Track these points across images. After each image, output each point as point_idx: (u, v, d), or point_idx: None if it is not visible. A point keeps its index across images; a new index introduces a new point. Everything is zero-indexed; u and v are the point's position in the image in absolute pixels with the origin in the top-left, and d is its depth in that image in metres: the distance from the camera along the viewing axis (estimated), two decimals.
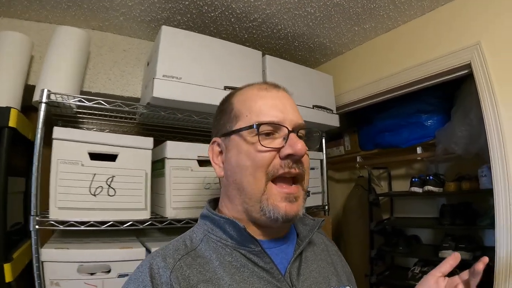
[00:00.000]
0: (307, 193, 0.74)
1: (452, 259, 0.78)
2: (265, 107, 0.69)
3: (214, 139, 0.77)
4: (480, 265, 0.70)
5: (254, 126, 0.66)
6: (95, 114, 1.52)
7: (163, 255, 0.64)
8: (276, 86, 0.75)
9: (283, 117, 0.68)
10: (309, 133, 0.79)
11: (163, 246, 0.69)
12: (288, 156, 0.66)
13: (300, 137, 0.70)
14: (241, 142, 0.69)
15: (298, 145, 0.65)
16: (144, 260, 0.66)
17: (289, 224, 0.71)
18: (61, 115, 1.49)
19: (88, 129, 1.72)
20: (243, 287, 0.61)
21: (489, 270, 1.29)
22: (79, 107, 1.39)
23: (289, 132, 0.68)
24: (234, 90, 0.79)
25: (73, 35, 1.47)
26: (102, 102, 1.34)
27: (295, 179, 0.69)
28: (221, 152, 0.75)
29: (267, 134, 0.68)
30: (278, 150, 0.67)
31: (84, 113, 1.51)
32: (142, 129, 1.78)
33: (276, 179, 0.67)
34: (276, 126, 0.68)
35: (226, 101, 0.78)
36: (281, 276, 0.65)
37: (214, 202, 0.80)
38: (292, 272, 0.68)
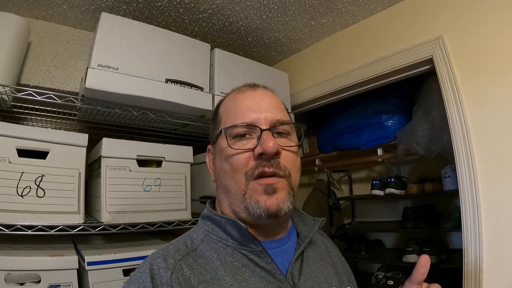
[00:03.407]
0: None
1: (422, 266, 0.71)
2: (238, 110, 0.71)
3: (208, 146, 0.80)
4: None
5: (222, 131, 0.69)
6: (34, 109, 1.40)
7: (164, 256, 0.64)
8: (252, 86, 0.76)
9: (256, 117, 0.68)
10: (294, 128, 0.76)
11: (163, 246, 0.69)
12: (261, 156, 0.66)
13: (281, 133, 0.70)
14: (220, 147, 0.72)
15: (269, 143, 0.64)
16: (144, 260, 0.65)
17: (278, 219, 0.68)
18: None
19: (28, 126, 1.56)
20: (244, 287, 0.61)
21: (458, 273, 1.29)
22: (13, 99, 1.29)
23: (262, 131, 0.67)
24: (223, 97, 0.81)
25: (9, 22, 1.36)
26: (33, 93, 1.22)
27: (278, 176, 0.67)
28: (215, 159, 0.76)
29: (242, 136, 0.68)
30: (252, 150, 0.67)
31: (21, 108, 1.38)
32: (85, 127, 1.68)
33: (256, 177, 0.66)
34: (249, 127, 0.68)
35: (216, 109, 0.80)
36: (283, 276, 0.65)
37: (214, 203, 0.80)
38: (294, 272, 0.68)
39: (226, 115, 0.73)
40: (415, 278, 0.72)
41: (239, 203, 0.67)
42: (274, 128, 0.69)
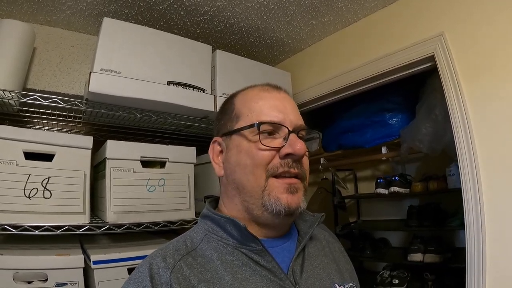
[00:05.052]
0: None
1: None
2: (266, 107, 0.71)
3: (214, 138, 0.78)
4: None
5: (256, 125, 0.68)
6: (40, 113, 1.42)
7: (163, 255, 0.64)
8: (277, 88, 0.77)
9: (283, 117, 0.69)
10: (309, 134, 0.78)
11: (163, 246, 0.69)
12: (288, 156, 0.67)
13: (300, 138, 0.71)
14: (242, 141, 0.70)
15: (297, 145, 0.66)
16: (143, 260, 0.65)
17: (291, 218, 0.71)
18: (7, 114, 1.42)
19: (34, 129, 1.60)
20: (245, 286, 0.61)
21: (464, 271, 1.26)
22: (20, 104, 1.32)
23: (290, 132, 0.69)
24: (236, 91, 0.80)
25: (15, 28, 1.40)
26: (39, 98, 1.26)
27: (299, 177, 0.69)
28: (221, 152, 0.76)
29: (268, 134, 0.69)
30: (278, 149, 0.68)
31: (27, 112, 1.41)
32: (90, 129, 1.73)
33: (277, 175, 0.67)
34: (276, 126, 0.69)
35: (228, 101, 0.79)
36: (284, 275, 0.65)
37: (215, 202, 0.80)
38: (295, 270, 0.68)
39: (249, 110, 0.72)
40: None
41: (255, 200, 0.67)
42: (298, 132, 0.71)
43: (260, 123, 0.67)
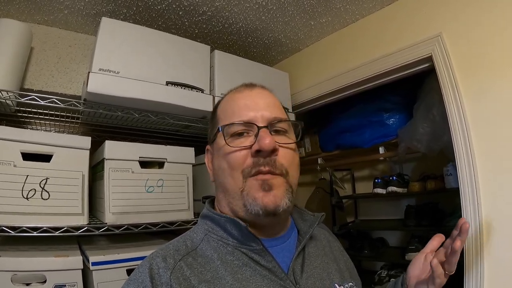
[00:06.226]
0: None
1: (437, 239, 0.87)
2: (237, 108, 0.71)
3: (207, 147, 0.80)
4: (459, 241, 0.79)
5: (220, 129, 0.69)
6: (38, 113, 1.40)
7: (163, 256, 0.64)
8: (249, 86, 0.77)
9: (253, 115, 0.69)
10: (293, 125, 0.77)
11: (163, 246, 0.68)
12: (258, 153, 0.66)
13: (278, 131, 0.70)
14: (217, 146, 0.72)
15: (266, 139, 0.64)
16: (143, 260, 0.65)
17: (275, 218, 0.68)
18: (4, 114, 1.40)
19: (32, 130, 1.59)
20: (245, 286, 0.61)
21: (459, 271, 1.24)
22: (17, 104, 1.31)
23: (259, 128, 0.67)
24: (221, 97, 0.82)
25: (11, 28, 1.39)
26: (36, 98, 1.24)
27: (274, 174, 0.67)
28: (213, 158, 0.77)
29: (239, 134, 0.69)
30: (249, 148, 0.67)
31: (25, 112, 1.39)
32: (88, 130, 1.68)
33: (252, 175, 0.66)
34: (247, 125, 0.69)
35: (214, 109, 0.81)
36: (284, 274, 0.65)
37: (213, 202, 0.80)
38: (296, 270, 0.68)
39: (224, 114, 0.73)
40: (429, 247, 0.88)
41: (237, 201, 0.67)
42: (272, 126, 0.69)
43: (223, 126, 0.69)
